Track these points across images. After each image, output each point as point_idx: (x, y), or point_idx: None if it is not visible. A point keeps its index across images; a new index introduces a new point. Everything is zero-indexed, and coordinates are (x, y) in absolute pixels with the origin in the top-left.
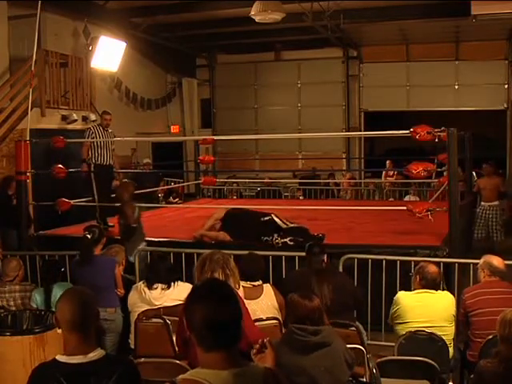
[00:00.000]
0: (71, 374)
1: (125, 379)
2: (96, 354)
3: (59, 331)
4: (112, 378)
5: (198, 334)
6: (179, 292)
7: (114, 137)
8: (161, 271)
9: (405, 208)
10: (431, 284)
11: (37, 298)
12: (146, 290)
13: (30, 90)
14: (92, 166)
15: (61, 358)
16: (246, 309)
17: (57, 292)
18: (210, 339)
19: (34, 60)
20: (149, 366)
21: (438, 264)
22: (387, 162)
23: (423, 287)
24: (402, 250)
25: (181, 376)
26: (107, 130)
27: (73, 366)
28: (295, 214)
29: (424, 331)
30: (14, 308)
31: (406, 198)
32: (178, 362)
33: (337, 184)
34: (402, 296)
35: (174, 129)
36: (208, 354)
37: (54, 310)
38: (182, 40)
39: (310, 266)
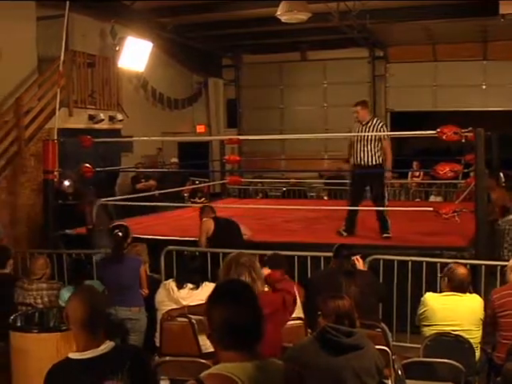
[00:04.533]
0: (87, 368)
1: (138, 366)
2: (106, 346)
3: None
4: (126, 366)
5: (218, 333)
6: (206, 293)
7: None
8: (190, 271)
9: (431, 209)
10: (459, 286)
11: (65, 296)
12: (174, 288)
13: (58, 90)
14: None
15: (73, 355)
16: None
17: None
18: (229, 340)
19: (61, 60)
20: (174, 365)
21: (464, 265)
22: (414, 163)
23: (451, 289)
24: (428, 251)
25: (205, 372)
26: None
27: (87, 361)
28: (320, 214)
29: (450, 333)
30: (41, 306)
31: (431, 199)
32: (202, 360)
33: None
34: (430, 297)
35: (200, 128)
36: (226, 352)
37: None
38: (208, 40)
39: (338, 267)
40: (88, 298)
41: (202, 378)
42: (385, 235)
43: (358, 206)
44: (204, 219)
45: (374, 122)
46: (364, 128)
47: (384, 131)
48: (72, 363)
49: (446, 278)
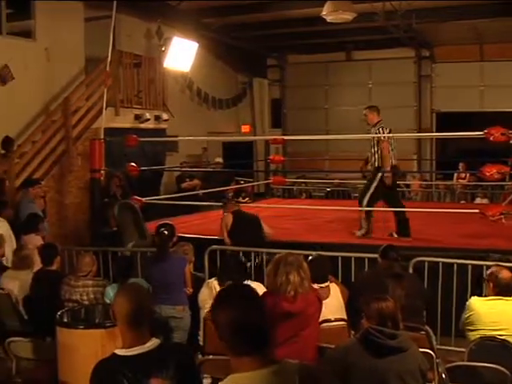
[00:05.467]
0: (133, 365)
1: (184, 363)
2: (152, 343)
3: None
4: (172, 364)
5: (227, 340)
6: None
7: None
8: (232, 269)
9: (477, 211)
10: (505, 290)
11: (110, 294)
12: (217, 287)
13: (105, 90)
14: None
15: (120, 351)
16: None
17: None
18: (239, 346)
19: (108, 60)
20: (217, 364)
21: (510, 269)
22: (460, 164)
23: (497, 294)
24: (474, 253)
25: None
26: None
27: (133, 358)
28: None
29: (496, 337)
30: (86, 302)
31: (477, 201)
32: None
33: (407, 185)
34: (475, 302)
35: (245, 128)
36: (239, 358)
37: None
38: (253, 40)
39: (386, 269)
40: (134, 295)
41: None
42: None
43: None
44: (225, 214)
45: (377, 126)
46: (371, 131)
47: (382, 133)
48: (118, 360)
49: (491, 284)
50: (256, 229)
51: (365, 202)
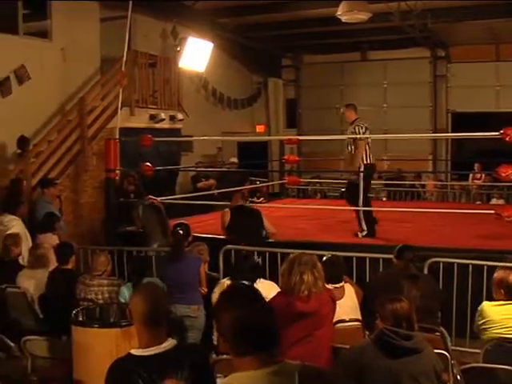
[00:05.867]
0: (149, 365)
1: (199, 366)
2: (169, 344)
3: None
4: (187, 364)
5: (230, 341)
6: (262, 290)
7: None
8: (245, 269)
9: (493, 211)
10: None
11: (125, 293)
12: None
13: (120, 90)
14: None
15: (136, 351)
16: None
17: None
18: (243, 344)
19: (124, 60)
20: (230, 364)
21: None
22: (476, 164)
23: (508, 299)
24: (489, 254)
25: (219, 382)
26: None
27: (149, 358)
28: (380, 215)
29: None
30: (101, 301)
31: (492, 202)
32: None
33: (423, 185)
34: (488, 308)
35: (260, 128)
36: (241, 358)
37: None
38: (268, 40)
39: (402, 269)
40: (151, 294)
41: None
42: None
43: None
44: (224, 210)
45: (354, 124)
46: (348, 129)
47: (358, 132)
48: (134, 359)
49: (502, 290)
50: (256, 225)
51: (360, 202)
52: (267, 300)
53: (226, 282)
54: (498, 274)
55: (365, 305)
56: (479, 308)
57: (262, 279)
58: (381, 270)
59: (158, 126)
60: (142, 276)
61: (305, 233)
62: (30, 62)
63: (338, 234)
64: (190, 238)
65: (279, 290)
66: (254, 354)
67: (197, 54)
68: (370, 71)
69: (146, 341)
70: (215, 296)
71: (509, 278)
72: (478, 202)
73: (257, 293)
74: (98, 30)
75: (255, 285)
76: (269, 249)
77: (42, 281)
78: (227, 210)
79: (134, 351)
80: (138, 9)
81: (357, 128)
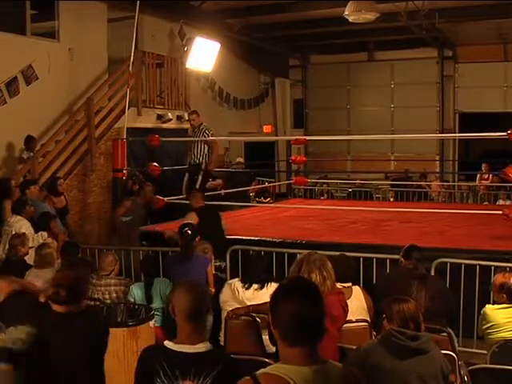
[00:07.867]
0: (175, 360)
1: (224, 376)
2: (203, 347)
3: (151, 324)
4: (212, 372)
5: (284, 329)
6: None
7: (208, 136)
8: (257, 271)
9: (500, 212)
10: None
11: (135, 293)
12: (239, 289)
13: (128, 90)
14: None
15: (169, 344)
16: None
17: (157, 287)
18: (295, 334)
19: (131, 61)
20: None
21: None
22: (483, 165)
23: (511, 302)
24: (496, 255)
25: (262, 370)
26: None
27: (179, 354)
28: (387, 215)
29: None
30: (108, 301)
31: (500, 203)
32: (266, 360)
33: (429, 186)
34: (491, 312)
35: (267, 129)
36: (291, 348)
37: (154, 304)
38: (275, 40)
39: (411, 269)
40: (194, 290)
41: (258, 375)
42: None
43: None
44: (189, 214)
45: (201, 128)
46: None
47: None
48: (164, 350)
49: (505, 295)
50: (220, 223)
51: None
52: None
53: (236, 283)
54: (497, 279)
55: (373, 305)
56: (482, 312)
57: (272, 283)
58: (387, 270)
59: (165, 126)
60: (154, 276)
61: (311, 233)
62: (38, 62)
63: (344, 235)
64: (197, 238)
65: None
66: (303, 345)
67: (204, 55)
68: (377, 71)
69: (184, 337)
70: (223, 297)
71: (509, 282)
72: (486, 203)
73: (314, 286)
74: (106, 30)
75: (264, 288)
76: (276, 249)
77: (49, 280)
78: (192, 212)
79: (167, 343)
80: (145, 9)
81: (207, 131)
